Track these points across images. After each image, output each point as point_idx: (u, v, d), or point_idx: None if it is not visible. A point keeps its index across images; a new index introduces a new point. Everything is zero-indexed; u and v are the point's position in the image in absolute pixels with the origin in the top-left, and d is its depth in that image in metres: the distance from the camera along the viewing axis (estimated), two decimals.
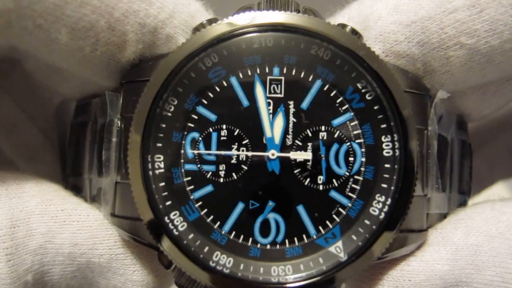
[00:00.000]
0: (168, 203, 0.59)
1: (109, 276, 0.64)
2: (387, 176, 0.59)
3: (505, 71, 0.63)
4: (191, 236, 0.59)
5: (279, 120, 0.60)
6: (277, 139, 0.60)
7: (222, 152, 0.60)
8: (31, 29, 0.57)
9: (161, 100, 0.59)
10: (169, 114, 0.60)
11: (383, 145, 0.59)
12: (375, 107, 0.60)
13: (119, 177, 0.63)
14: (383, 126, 0.59)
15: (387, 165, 0.59)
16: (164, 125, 0.60)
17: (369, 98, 0.60)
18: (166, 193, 0.59)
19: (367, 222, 0.59)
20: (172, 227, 0.59)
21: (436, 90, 0.64)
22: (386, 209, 0.58)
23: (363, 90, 0.60)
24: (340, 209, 0.60)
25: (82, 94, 0.71)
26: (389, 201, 0.58)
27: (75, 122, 0.74)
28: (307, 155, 0.60)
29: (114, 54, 0.62)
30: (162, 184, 0.59)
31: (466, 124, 0.72)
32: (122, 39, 0.61)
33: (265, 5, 0.62)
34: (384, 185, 0.59)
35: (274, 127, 0.60)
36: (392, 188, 0.58)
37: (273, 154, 0.60)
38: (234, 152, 0.60)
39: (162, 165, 0.60)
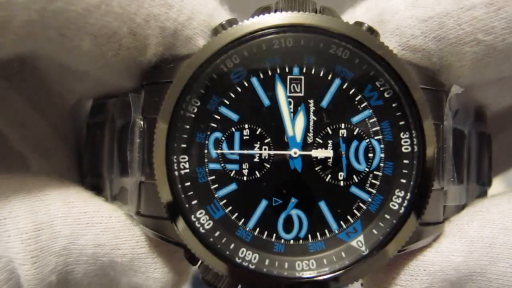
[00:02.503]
0: (194, 202, 0.61)
1: (131, 274, 0.66)
2: (406, 171, 0.61)
3: None
4: (217, 233, 0.61)
5: (300, 119, 0.62)
6: (299, 138, 0.62)
7: (245, 152, 0.62)
8: (54, 38, 0.58)
9: (184, 102, 0.61)
10: (192, 116, 0.61)
11: (402, 142, 0.61)
12: (393, 105, 0.61)
13: (143, 177, 0.64)
14: (402, 123, 0.61)
15: (406, 161, 0.61)
16: (187, 126, 0.61)
17: (387, 95, 0.61)
18: (191, 192, 0.61)
19: (387, 216, 0.61)
20: (198, 225, 0.60)
21: (451, 85, 0.65)
22: (405, 203, 0.60)
23: (381, 88, 0.61)
24: (360, 204, 0.62)
25: (99, 93, 0.72)
26: (408, 196, 0.60)
27: (91, 122, 0.75)
28: (329, 152, 0.62)
29: (135, 58, 0.63)
30: (188, 184, 0.61)
31: (485, 115, 0.73)
32: (143, 43, 0.62)
33: (283, 5, 0.63)
34: (403, 180, 0.61)
35: (295, 126, 0.62)
36: (411, 183, 0.60)
37: (295, 153, 0.62)
38: (256, 151, 0.62)
39: (187, 165, 0.61)
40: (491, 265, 0.63)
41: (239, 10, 0.69)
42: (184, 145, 0.61)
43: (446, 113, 0.65)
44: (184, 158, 0.61)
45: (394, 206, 0.61)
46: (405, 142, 0.61)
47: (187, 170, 0.61)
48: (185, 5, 0.63)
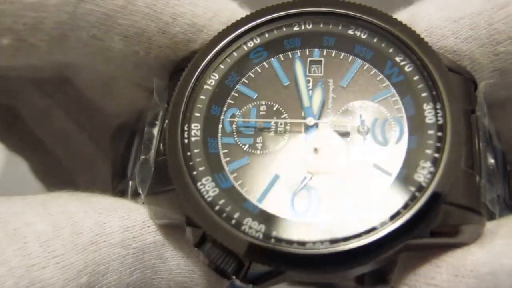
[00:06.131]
0: (202, 168, 0.58)
1: (170, 254, 0.61)
2: (430, 142, 0.55)
3: None
4: (222, 201, 0.56)
5: (318, 94, 0.60)
6: (315, 110, 0.60)
7: (260, 120, 0.60)
8: (85, 40, 0.61)
9: (203, 74, 0.62)
10: (209, 88, 0.62)
11: (425, 113, 0.57)
12: (415, 78, 0.58)
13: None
14: (424, 94, 0.57)
15: (430, 131, 0.56)
16: (203, 97, 0.61)
17: (408, 70, 0.59)
18: (200, 159, 0.58)
19: (411, 188, 0.54)
20: (204, 192, 0.57)
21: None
22: (429, 175, 0.54)
23: (401, 63, 0.59)
24: (381, 181, 0.56)
25: (132, 112, 0.74)
26: (432, 168, 0.54)
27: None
28: (345, 126, 0.58)
29: (168, 56, 0.65)
30: (197, 150, 0.59)
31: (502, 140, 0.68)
32: (174, 40, 0.64)
33: None
34: (428, 151, 0.55)
35: (312, 99, 0.60)
36: (436, 155, 0.54)
37: (310, 121, 0.59)
38: (273, 119, 0.60)
39: (198, 133, 0.60)
40: None
41: None
42: (197, 114, 0.60)
43: (479, 102, 0.61)
44: (196, 126, 0.60)
45: (419, 177, 0.54)
46: (428, 113, 0.57)
47: (198, 138, 0.59)
48: (210, 4, 0.65)
